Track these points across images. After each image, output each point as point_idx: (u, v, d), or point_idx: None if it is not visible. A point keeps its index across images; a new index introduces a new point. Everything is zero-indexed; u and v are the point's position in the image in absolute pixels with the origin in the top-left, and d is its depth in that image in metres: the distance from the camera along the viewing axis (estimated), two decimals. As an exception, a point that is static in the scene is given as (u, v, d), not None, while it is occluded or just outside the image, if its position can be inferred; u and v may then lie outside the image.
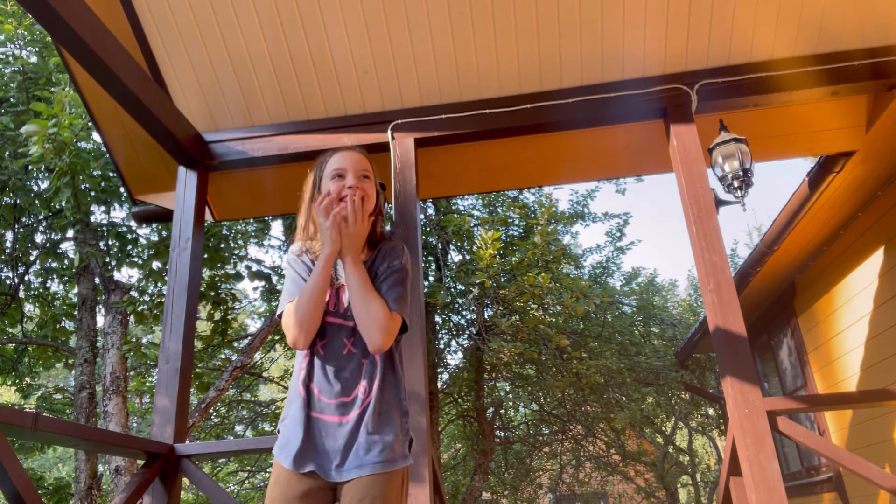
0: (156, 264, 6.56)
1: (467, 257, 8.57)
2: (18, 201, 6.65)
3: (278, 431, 1.72)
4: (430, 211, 8.88)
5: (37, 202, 6.64)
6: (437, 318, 9.29)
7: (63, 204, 6.13)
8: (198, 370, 7.33)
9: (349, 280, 1.70)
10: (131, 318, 6.70)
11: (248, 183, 4.11)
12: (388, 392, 1.69)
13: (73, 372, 7.12)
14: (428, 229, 8.60)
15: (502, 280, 7.63)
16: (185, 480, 3.84)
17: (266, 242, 8.32)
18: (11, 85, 6.72)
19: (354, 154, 1.83)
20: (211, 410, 9.22)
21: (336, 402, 1.65)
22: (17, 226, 6.95)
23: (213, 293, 7.03)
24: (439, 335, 9.52)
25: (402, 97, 3.64)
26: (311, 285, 1.67)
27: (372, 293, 1.67)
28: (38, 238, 7.33)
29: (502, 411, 11.46)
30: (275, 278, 7.88)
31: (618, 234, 10.58)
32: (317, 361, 1.69)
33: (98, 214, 7.06)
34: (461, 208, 9.31)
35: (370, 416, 1.64)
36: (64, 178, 5.69)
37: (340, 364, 1.68)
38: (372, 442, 1.61)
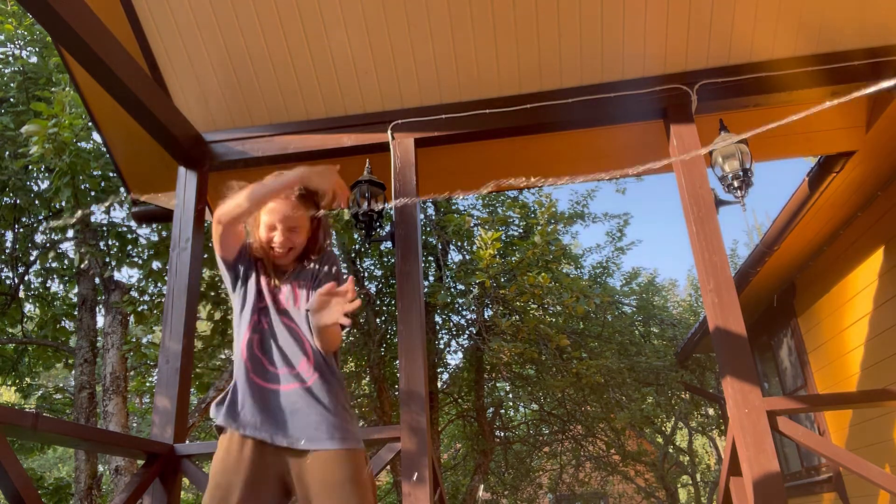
0: (156, 264, 6.56)
1: (467, 257, 8.57)
2: (18, 201, 6.65)
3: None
4: (431, 211, 8.88)
5: (37, 202, 6.64)
6: (437, 318, 9.30)
7: (63, 204, 6.13)
8: (198, 370, 7.32)
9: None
10: (131, 318, 6.70)
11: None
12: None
13: (73, 372, 7.12)
14: (428, 229, 8.60)
15: (502, 280, 7.64)
16: (185, 480, 3.83)
17: (266, 242, 8.28)
18: (11, 85, 6.72)
19: (286, 206, 1.97)
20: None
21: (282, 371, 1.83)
22: (17, 226, 6.95)
23: (213, 293, 7.03)
24: (439, 335, 9.53)
25: (402, 97, 3.64)
26: (269, 188, 1.90)
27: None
28: (39, 238, 7.33)
29: (502, 411, 11.46)
30: (275, 278, 7.85)
31: (618, 235, 10.59)
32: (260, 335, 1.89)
33: (98, 214, 7.06)
34: (461, 208, 9.31)
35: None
36: (64, 178, 5.69)
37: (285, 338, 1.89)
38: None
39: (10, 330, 7.76)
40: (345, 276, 2.00)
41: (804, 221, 4.83)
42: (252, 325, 1.88)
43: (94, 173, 5.97)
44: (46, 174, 6.60)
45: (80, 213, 6.03)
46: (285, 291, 1.96)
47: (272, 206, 1.96)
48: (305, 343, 1.86)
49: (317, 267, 2.02)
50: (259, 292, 1.94)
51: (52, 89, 6.50)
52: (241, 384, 1.81)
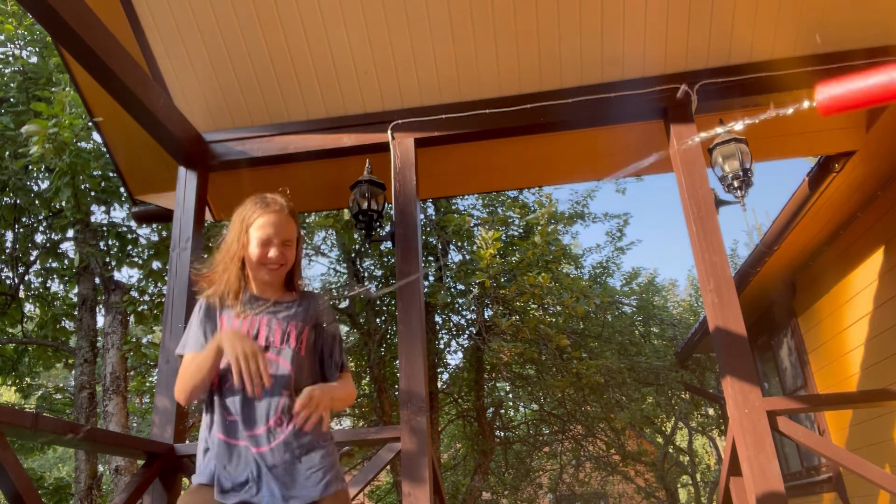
0: (156, 264, 6.56)
1: (467, 257, 8.57)
2: (18, 201, 6.65)
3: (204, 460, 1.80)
4: (430, 211, 8.88)
5: (37, 202, 6.64)
6: (437, 318, 9.30)
7: (63, 204, 6.13)
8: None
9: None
10: (131, 318, 6.70)
11: (248, 183, 4.11)
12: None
13: (73, 372, 7.12)
14: (428, 229, 8.60)
15: (502, 280, 7.64)
16: (185, 480, 3.83)
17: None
18: (11, 85, 6.72)
19: (280, 219, 1.93)
20: (211, 410, 9.19)
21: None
22: (17, 226, 6.95)
23: (212, 293, 7.01)
24: (439, 335, 9.53)
25: (402, 97, 3.64)
26: (196, 367, 1.78)
27: (339, 391, 1.89)
28: (39, 238, 7.34)
29: (502, 411, 11.46)
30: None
31: (618, 235, 10.59)
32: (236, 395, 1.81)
33: (98, 214, 7.07)
34: (461, 208, 9.31)
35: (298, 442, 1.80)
36: (64, 178, 5.69)
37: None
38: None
39: (10, 330, 7.77)
40: (341, 340, 2.00)
41: (804, 221, 4.83)
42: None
43: (94, 173, 5.97)
44: (46, 174, 6.60)
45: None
46: (266, 324, 1.87)
47: (264, 220, 1.90)
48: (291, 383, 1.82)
49: (315, 312, 1.95)
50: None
51: (52, 89, 6.50)
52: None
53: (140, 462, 4.62)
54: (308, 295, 2.02)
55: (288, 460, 1.74)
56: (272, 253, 1.89)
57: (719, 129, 1.91)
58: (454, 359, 10.65)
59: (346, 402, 1.95)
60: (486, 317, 8.37)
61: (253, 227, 1.91)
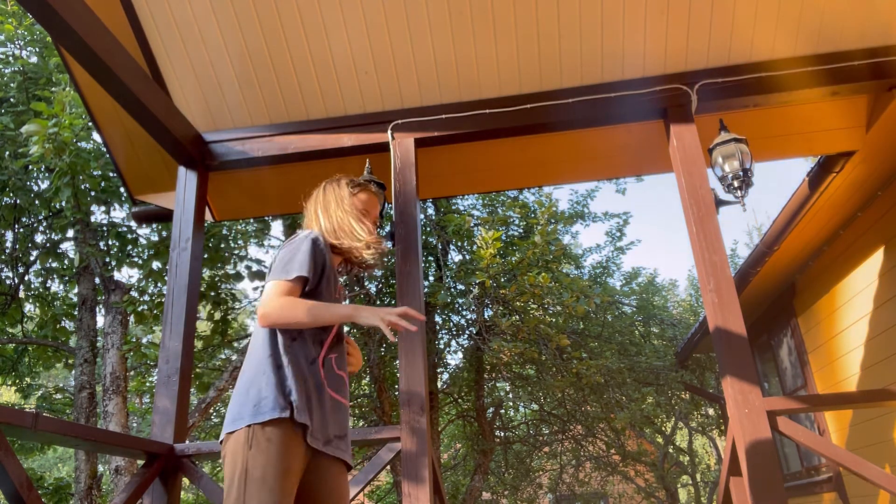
0: (156, 264, 6.56)
1: (467, 257, 8.57)
2: (18, 201, 6.65)
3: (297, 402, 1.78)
4: (430, 211, 8.88)
5: (37, 202, 6.64)
6: (437, 318, 9.29)
7: (63, 204, 6.13)
8: (198, 370, 7.33)
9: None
10: (131, 318, 6.70)
11: (248, 183, 4.11)
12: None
13: (73, 372, 7.12)
14: (428, 229, 8.60)
15: (502, 280, 7.63)
16: (185, 480, 3.83)
17: (266, 242, 8.31)
18: (11, 85, 6.72)
19: (377, 199, 2.17)
20: (211, 410, 9.21)
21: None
22: (17, 226, 6.95)
23: (213, 293, 7.03)
24: (439, 335, 9.52)
25: (402, 97, 3.64)
26: (330, 315, 1.83)
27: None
28: (39, 238, 7.33)
29: (502, 411, 11.46)
30: (275, 278, 7.84)
31: (618, 234, 10.58)
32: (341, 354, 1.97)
33: (98, 214, 7.07)
34: (461, 208, 9.31)
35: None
36: (64, 178, 5.69)
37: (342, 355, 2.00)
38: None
39: (10, 330, 7.77)
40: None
41: (804, 221, 4.83)
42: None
43: (94, 173, 5.97)
44: (46, 174, 6.60)
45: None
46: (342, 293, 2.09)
47: (366, 196, 2.10)
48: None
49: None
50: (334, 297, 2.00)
51: (52, 89, 6.50)
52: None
53: (140, 462, 4.62)
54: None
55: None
56: (369, 223, 2.08)
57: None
58: (454, 359, 10.64)
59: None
60: (486, 317, 8.36)
61: (355, 196, 2.09)
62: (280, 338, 1.82)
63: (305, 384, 1.77)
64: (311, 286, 1.89)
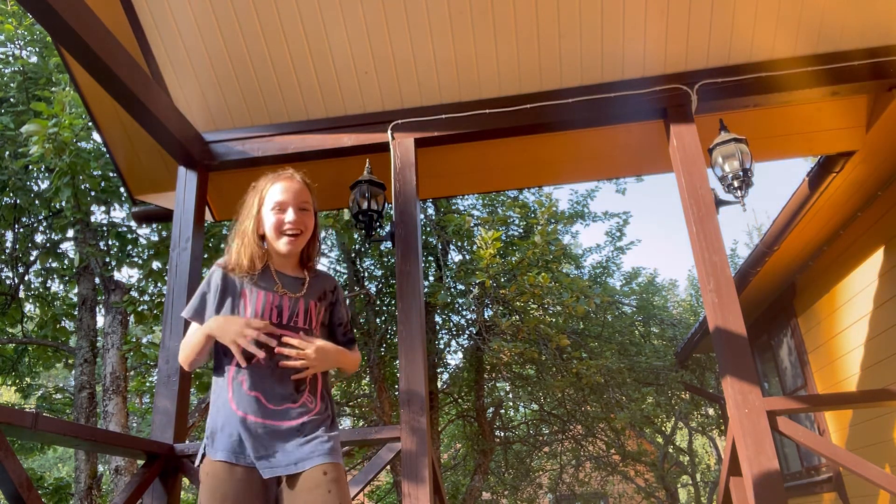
0: (156, 264, 6.56)
1: (467, 257, 8.57)
2: (18, 201, 6.65)
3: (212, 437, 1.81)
4: (430, 211, 8.88)
5: (37, 202, 6.64)
6: (437, 318, 9.30)
7: (63, 204, 6.13)
8: (198, 370, 7.32)
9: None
10: (131, 318, 6.70)
11: (248, 183, 4.09)
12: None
13: (73, 372, 7.12)
14: (428, 229, 8.60)
15: (502, 280, 7.63)
16: (185, 480, 3.83)
17: (266, 242, 8.29)
18: (11, 85, 6.72)
19: (295, 185, 1.92)
20: (211, 410, 9.19)
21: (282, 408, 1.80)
22: (17, 226, 6.95)
23: (213, 293, 7.01)
24: (439, 335, 9.53)
25: (402, 97, 3.64)
26: (192, 342, 1.85)
27: (345, 354, 1.95)
28: (39, 238, 7.33)
29: (502, 411, 11.46)
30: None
31: (618, 234, 10.58)
32: (256, 370, 1.82)
33: (98, 214, 7.06)
34: (461, 208, 9.31)
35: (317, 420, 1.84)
36: (64, 178, 5.69)
37: (285, 373, 1.84)
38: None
39: (10, 330, 7.76)
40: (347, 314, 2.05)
41: (804, 221, 4.83)
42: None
43: (94, 173, 5.97)
44: (46, 174, 6.60)
45: None
46: (289, 303, 1.86)
47: (278, 186, 1.89)
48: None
49: (329, 292, 1.98)
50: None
51: (52, 89, 6.50)
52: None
53: (140, 462, 4.62)
54: (321, 273, 2.02)
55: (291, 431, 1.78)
56: (289, 216, 1.86)
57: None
58: (454, 359, 10.65)
59: (351, 366, 1.98)
60: (486, 317, 8.36)
61: (268, 195, 1.90)
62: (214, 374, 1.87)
63: (216, 416, 1.80)
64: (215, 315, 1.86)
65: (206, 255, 6.57)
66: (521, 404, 11.96)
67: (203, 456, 1.80)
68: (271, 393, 1.78)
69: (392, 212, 3.47)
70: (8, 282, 7.21)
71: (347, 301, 2.21)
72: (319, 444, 1.75)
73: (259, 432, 1.74)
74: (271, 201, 1.88)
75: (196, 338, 1.83)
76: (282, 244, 1.87)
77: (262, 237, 1.91)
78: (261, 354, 1.76)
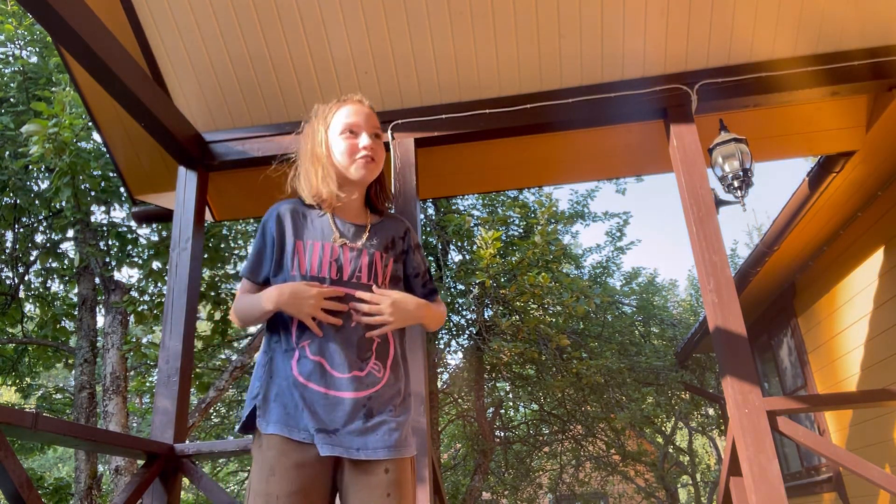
0: (156, 264, 6.56)
1: (467, 257, 8.57)
2: (18, 201, 6.65)
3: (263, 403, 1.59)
4: (431, 211, 8.88)
5: (37, 202, 6.64)
6: (437, 318, 9.28)
7: (63, 204, 6.13)
8: (198, 370, 7.33)
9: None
10: (131, 318, 6.70)
11: (248, 183, 4.11)
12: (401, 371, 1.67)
13: (73, 372, 7.12)
14: (428, 229, 8.60)
15: (502, 280, 7.63)
16: (185, 480, 3.83)
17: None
18: (11, 85, 6.73)
19: (365, 108, 1.72)
20: (211, 410, 9.22)
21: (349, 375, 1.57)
22: (17, 226, 6.95)
23: (213, 293, 7.03)
24: (439, 335, 9.53)
25: (402, 97, 3.64)
26: (254, 312, 1.61)
27: (428, 308, 1.70)
28: (39, 238, 7.33)
29: (502, 411, 11.46)
30: (275, 278, 7.86)
31: (618, 234, 10.59)
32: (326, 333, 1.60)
33: (98, 214, 7.07)
34: (461, 208, 9.31)
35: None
36: (64, 178, 5.69)
37: (350, 337, 1.61)
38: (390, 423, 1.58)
39: (10, 330, 7.76)
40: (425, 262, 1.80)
41: (804, 221, 4.83)
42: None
43: (94, 173, 5.97)
44: (46, 174, 6.60)
45: None
46: (352, 257, 1.63)
47: (347, 108, 1.68)
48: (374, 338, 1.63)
49: (398, 238, 1.73)
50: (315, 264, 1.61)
51: (52, 89, 6.50)
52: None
53: (140, 462, 4.62)
54: (386, 217, 1.78)
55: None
56: (364, 141, 1.65)
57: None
58: (454, 359, 10.65)
59: (435, 321, 1.76)
60: (486, 317, 8.37)
61: (334, 119, 1.68)
62: (265, 337, 1.66)
63: (269, 382, 1.58)
64: (272, 273, 1.66)
65: (206, 255, 6.58)
66: (521, 404, 11.96)
67: (246, 427, 1.59)
68: (336, 359, 1.56)
69: (392, 212, 3.46)
70: (8, 282, 7.21)
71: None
72: (386, 435, 1.52)
73: (321, 403, 1.52)
74: (339, 125, 1.67)
75: (258, 309, 1.59)
76: (356, 169, 1.64)
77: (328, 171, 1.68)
78: (338, 322, 1.56)
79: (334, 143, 1.68)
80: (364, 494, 1.48)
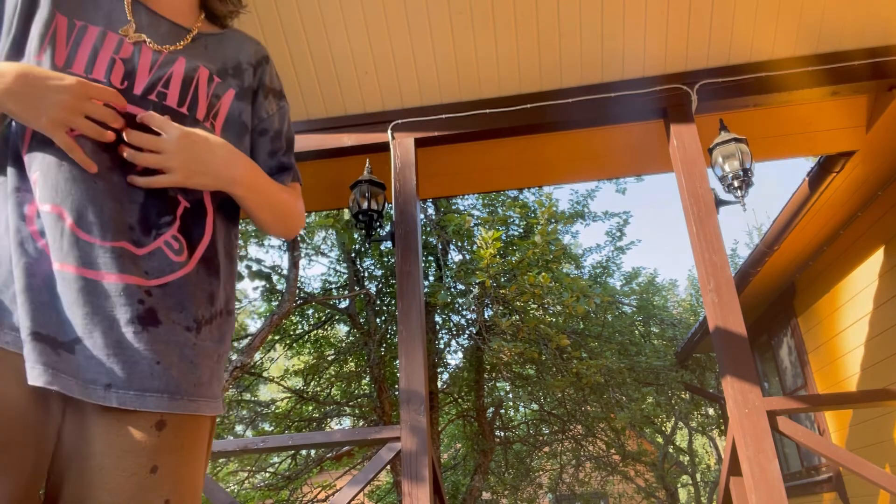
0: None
1: (467, 257, 8.57)
2: None
3: None
4: (431, 211, 8.88)
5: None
6: (437, 318, 9.30)
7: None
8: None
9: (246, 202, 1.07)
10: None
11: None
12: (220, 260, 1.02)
13: (73, 372, 7.10)
14: (428, 229, 8.60)
15: (502, 280, 7.63)
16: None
17: (266, 242, 8.32)
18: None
19: None
20: (211, 410, 9.17)
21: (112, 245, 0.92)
22: None
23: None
24: (439, 335, 9.53)
25: (403, 97, 3.64)
26: None
27: (277, 193, 1.11)
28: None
29: (502, 411, 11.46)
30: (275, 278, 7.88)
31: (618, 234, 10.58)
32: (66, 169, 0.92)
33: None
34: (461, 208, 9.31)
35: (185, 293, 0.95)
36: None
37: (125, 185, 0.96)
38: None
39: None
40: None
41: (804, 221, 4.83)
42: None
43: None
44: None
45: None
46: (157, 63, 1.02)
47: None
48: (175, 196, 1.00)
49: (248, 65, 1.16)
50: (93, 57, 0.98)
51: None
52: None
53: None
54: (243, 36, 1.24)
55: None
56: None
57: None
58: (454, 359, 10.66)
59: (278, 208, 1.14)
60: (486, 317, 8.37)
61: None
62: None
63: None
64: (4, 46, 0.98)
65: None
66: (521, 404, 11.96)
67: None
68: (93, 214, 0.90)
69: (392, 212, 3.47)
70: None
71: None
72: (177, 369, 0.90)
73: (51, 286, 0.88)
74: None
75: None
76: None
77: None
78: (109, 137, 0.93)
79: None
80: (106, 462, 0.83)
